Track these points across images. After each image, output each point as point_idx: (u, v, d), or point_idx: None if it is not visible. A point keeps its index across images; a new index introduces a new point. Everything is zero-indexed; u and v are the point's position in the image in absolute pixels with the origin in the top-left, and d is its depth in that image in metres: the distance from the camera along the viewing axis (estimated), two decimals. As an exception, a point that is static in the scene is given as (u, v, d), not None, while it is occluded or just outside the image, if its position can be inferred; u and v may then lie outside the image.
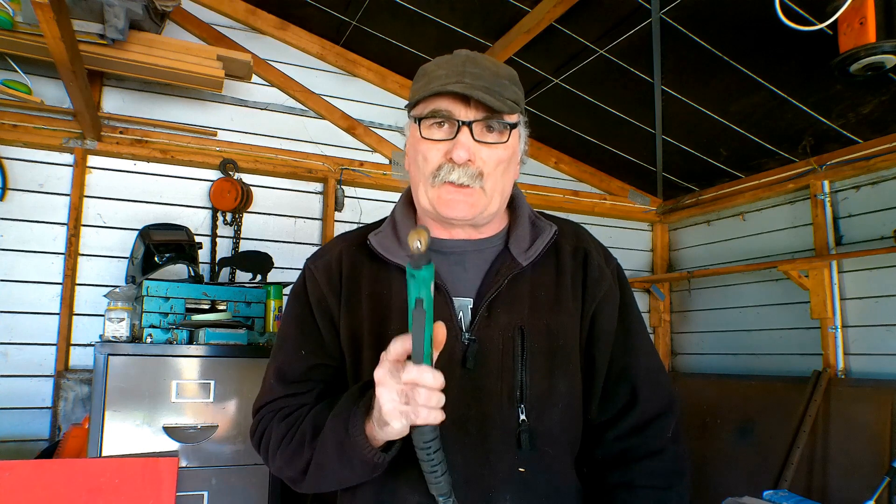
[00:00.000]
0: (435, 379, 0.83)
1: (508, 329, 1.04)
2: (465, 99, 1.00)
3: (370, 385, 0.90)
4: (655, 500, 1.06)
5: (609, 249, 1.21)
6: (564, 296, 1.09)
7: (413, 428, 0.86)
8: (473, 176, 1.01)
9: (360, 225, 1.41)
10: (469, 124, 1.00)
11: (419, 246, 0.76)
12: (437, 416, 0.84)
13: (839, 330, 3.02)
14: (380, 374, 0.86)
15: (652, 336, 4.01)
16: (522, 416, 1.02)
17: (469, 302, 1.06)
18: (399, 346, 0.84)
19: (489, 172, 1.02)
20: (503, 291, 1.05)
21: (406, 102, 1.10)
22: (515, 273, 1.06)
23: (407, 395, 0.83)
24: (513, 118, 1.04)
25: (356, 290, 1.09)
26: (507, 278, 1.06)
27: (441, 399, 0.84)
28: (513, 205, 1.16)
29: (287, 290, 2.24)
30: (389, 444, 0.93)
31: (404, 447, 0.93)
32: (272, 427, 1.07)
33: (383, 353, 0.87)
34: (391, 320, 1.05)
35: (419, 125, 1.04)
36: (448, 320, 1.02)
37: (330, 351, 1.11)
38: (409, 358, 0.84)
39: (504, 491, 1.00)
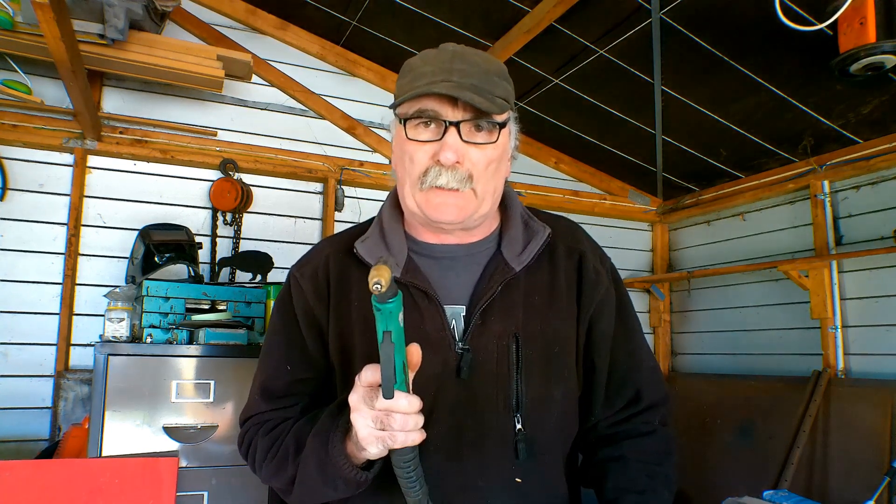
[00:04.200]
0: (410, 404, 0.82)
1: (503, 337, 1.01)
2: (453, 98, 0.95)
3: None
4: (646, 473, 1.06)
5: (607, 249, 1.20)
6: (559, 300, 1.07)
7: (392, 449, 0.85)
8: (462, 179, 0.96)
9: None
10: (457, 125, 0.95)
11: (380, 287, 0.71)
12: (414, 438, 0.83)
13: (839, 330, 3.02)
14: (353, 399, 0.85)
15: (652, 336, 4.01)
16: (519, 425, 1.00)
17: (461, 309, 1.03)
18: (370, 374, 0.83)
19: (479, 174, 0.98)
20: (497, 298, 1.02)
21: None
22: (509, 279, 1.03)
23: (382, 420, 0.82)
24: (502, 117, 0.99)
25: (345, 297, 1.06)
26: (500, 284, 1.02)
27: (419, 421, 0.83)
28: (504, 204, 1.12)
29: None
30: (371, 462, 0.92)
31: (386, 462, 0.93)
32: (257, 440, 1.06)
33: (357, 377, 0.85)
34: None
35: (405, 125, 0.98)
36: (440, 329, 1.00)
37: (316, 363, 1.08)
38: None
39: (501, 501, 0.99)
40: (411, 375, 0.84)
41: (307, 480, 0.97)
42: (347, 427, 0.90)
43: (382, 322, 0.77)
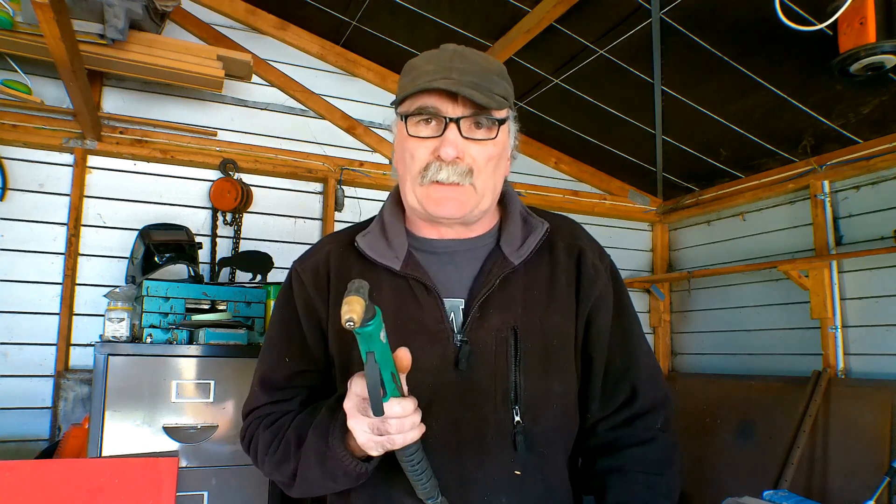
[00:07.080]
0: (404, 409, 0.83)
1: (502, 330, 1.02)
2: (453, 95, 0.97)
3: None
4: (646, 484, 1.06)
5: (607, 248, 1.20)
6: (559, 294, 1.07)
7: None
8: (463, 174, 0.98)
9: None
10: (457, 121, 0.97)
11: (352, 324, 0.68)
12: (414, 436, 0.85)
13: (839, 330, 3.02)
14: (348, 406, 0.87)
15: (652, 336, 4.01)
16: (517, 418, 1.00)
17: (460, 303, 1.04)
18: (360, 388, 0.84)
19: (479, 169, 1.00)
20: (495, 291, 1.03)
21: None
22: (507, 273, 1.04)
23: (378, 427, 0.84)
24: (501, 114, 1.01)
25: (345, 291, 1.08)
26: (498, 278, 1.03)
27: (416, 420, 0.85)
28: (503, 202, 1.14)
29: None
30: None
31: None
32: (258, 434, 1.07)
33: (349, 383, 0.87)
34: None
35: (406, 122, 1.01)
36: (439, 322, 1.02)
37: (315, 356, 1.10)
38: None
39: (500, 493, 0.99)
40: (402, 377, 0.85)
41: (308, 473, 0.98)
42: (346, 421, 0.91)
43: (364, 344, 0.76)
